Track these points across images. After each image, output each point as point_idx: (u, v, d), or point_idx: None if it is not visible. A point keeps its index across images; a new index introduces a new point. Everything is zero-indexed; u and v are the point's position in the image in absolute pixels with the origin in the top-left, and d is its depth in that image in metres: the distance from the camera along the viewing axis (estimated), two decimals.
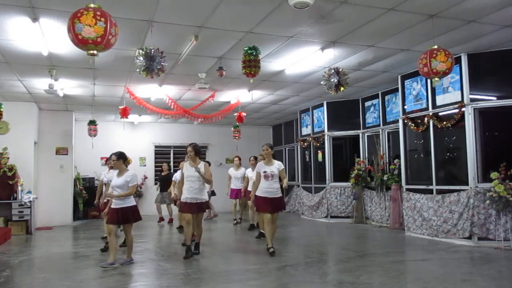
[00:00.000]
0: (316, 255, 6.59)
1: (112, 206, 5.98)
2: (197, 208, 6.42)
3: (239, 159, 10.69)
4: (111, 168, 7.56)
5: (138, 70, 5.66)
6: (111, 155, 6.59)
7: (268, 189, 6.54)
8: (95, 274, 5.55)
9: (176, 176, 9.17)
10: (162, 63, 5.57)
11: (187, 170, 6.45)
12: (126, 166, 6.19)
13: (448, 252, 6.51)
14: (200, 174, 6.30)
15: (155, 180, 14.15)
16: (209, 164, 11.43)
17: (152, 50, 5.51)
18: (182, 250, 7.05)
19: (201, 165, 6.44)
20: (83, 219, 12.56)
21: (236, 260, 6.58)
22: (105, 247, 7.01)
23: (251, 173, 9.50)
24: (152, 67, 5.51)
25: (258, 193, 6.63)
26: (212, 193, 11.40)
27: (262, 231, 8.12)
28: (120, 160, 6.10)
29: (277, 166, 6.65)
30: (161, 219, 11.49)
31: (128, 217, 5.93)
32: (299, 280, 5.08)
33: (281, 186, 6.71)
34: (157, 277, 5.42)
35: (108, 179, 7.25)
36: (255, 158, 9.49)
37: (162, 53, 5.59)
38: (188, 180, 6.41)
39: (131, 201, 5.99)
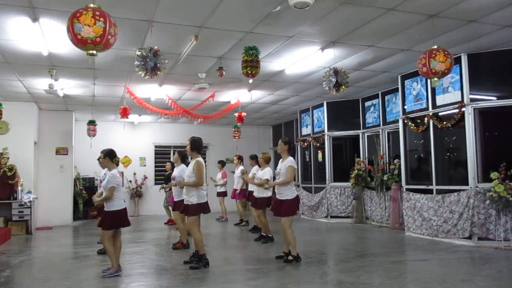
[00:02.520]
0: (316, 255, 6.58)
1: None
2: (183, 208, 5.85)
3: (238, 158, 10.60)
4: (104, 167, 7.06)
5: (137, 70, 5.68)
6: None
7: (276, 189, 6.14)
8: (95, 274, 5.55)
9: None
10: (156, 62, 5.55)
11: (186, 168, 6.09)
12: (117, 165, 5.61)
13: (448, 252, 6.51)
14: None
15: (155, 180, 14.18)
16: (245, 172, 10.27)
17: (146, 50, 5.52)
18: (182, 249, 7.06)
19: (193, 162, 5.76)
20: (83, 219, 12.56)
21: (236, 260, 6.58)
22: (102, 249, 6.94)
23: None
24: (147, 66, 5.52)
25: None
26: (224, 194, 11.32)
27: (263, 233, 8.07)
28: (106, 158, 5.52)
29: (285, 163, 6.00)
30: (169, 221, 10.70)
31: (102, 222, 5.39)
32: (299, 280, 5.08)
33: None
34: (157, 277, 5.42)
35: (101, 178, 7.00)
36: (252, 157, 9.23)
37: (157, 52, 5.57)
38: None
39: (110, 205, 5.32)
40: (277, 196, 6.08)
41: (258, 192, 7.80)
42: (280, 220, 6.10)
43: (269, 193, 7.68)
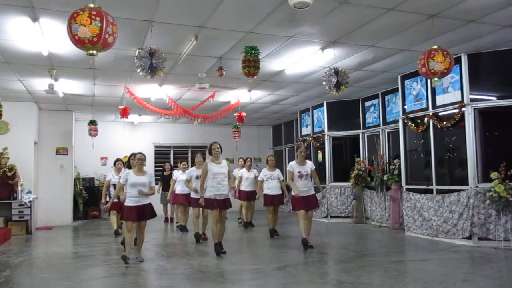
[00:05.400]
0: (316, 255, 6.58)
1: (131, 204, 6.04)
2: (224, 204, 6.62)
3: (244, 160, 10.81)
4: (119, 169, 8.23)
5: (138, 71, 5.69)
6: (133, 154, 6.65)
7: (303, 188, 6.91)
8: (95, 274, 5.56)
9: (176, 174, 9.33)
10: (153, 61, 5.55)
11: (214, 168, 6.55)
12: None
13: (448, 252, 6.51)
14: (229, 178, 6.71)
15: (155, 180, 14.19)
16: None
17: (144, 51, 5.52)
18: (182, 249, 7.06)
19: (224, 163, 6.74)
20: (83, 219, 12.56)
21: (236, 260, 6.57)
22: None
23: (246, 174, 9.82)
24: (145, 66, 5.52)
25: (293, 193, 6.96)
26: None
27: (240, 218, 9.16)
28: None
29: (309, 166, 7.10)
30: (167, 219, 11.46)
31: (151, 212, 6.30)
32: (299, 280, 5.08)
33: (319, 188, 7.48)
34: (157, 277, 5.42)
35: (118, 179, 7.55)
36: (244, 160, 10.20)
37: (154, 51, 5.57)
38: (217, 177, 6.54)
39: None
40: (301, 194, 6.86)
41: (246, 187, 9.60)
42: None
43: (253, 188, 9.53)
